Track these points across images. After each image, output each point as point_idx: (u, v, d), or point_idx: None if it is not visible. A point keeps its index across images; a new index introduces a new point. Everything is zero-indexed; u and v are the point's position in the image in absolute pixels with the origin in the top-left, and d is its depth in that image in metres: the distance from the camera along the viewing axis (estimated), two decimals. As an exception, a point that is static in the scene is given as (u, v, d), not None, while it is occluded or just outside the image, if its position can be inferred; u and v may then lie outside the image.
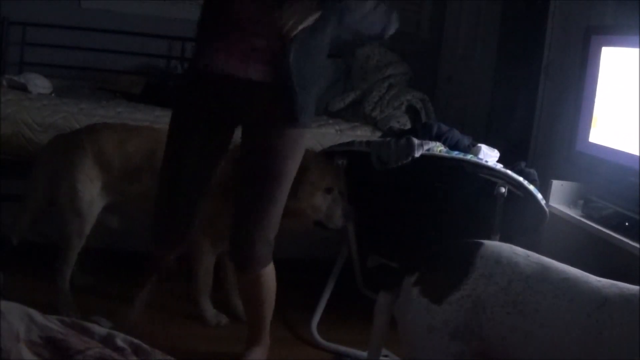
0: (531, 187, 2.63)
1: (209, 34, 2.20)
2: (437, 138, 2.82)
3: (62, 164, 2.78)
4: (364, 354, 2.62)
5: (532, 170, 2.78)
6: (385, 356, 2.61)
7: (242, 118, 2.27)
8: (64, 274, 2.78)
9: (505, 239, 2.56)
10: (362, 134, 3.62)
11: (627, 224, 2.50)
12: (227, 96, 2.22)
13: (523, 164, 2.81)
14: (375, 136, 3.43)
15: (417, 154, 2.60)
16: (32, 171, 2.87)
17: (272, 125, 2.21)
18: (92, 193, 2.77)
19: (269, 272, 2.39)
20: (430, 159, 2.63)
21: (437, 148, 2.66)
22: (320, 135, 3.49)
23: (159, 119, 3.37)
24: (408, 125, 3.63)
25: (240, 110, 2.24)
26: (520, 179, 2.62)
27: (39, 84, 3.65)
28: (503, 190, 2.59)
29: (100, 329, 1.50)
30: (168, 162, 2.33)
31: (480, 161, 2.65)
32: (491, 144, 2.89)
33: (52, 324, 1.43)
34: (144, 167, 2.78)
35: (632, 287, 1.63)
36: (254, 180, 2.25)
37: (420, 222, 2.85)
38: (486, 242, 1.81)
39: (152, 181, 2.78)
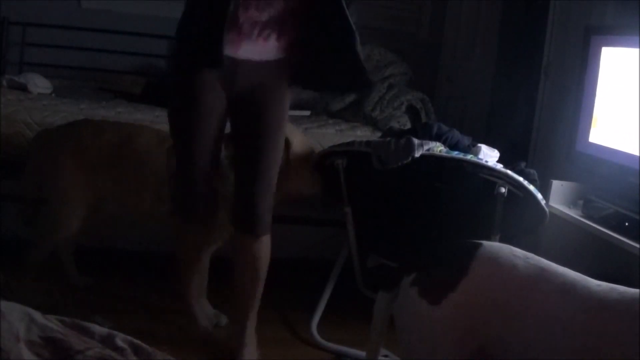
0: (531, 187, 2.63)
1: (215, 22, 2.22)
2: (437, 138, 2.82)
3: (46, 159, 2.80)
4: (364, 353, 2.62)
5: (532, 170, 2.78)
6: (385, 356, 2.61)
7: (245, 91, 2.35)
8: (37, 259, 2.79)
9: (505, 239, 2.56)
10: (362, 134, 3.63)
11: (627, 224, 2.50)
12: (237, 75, 2.30)
13: (523, 164, 2.81)
14: (375, 136, 3.43)
15: (417, 154, 2.61)
16: (25, 167, 2.89)
17: (275, 90, 2.36)
18: (75, 187, 2.78)
19: (268, 243, 2.47)
20: (430, 159, 2.63)
21: (437, 148, 2.66)
22: (320, 135, 3.49)
23: (159, 118, 3.37)
24: (408, 125, 3.63)
25: (246, 85, 2.33)
26: (520, 179, 2.62)
27: (39, 84, 3.65)
28: (503, 190, 2.59)
29: (100, 329, 1.50)
30: (186, 138, 2.39)
31: (480, 161, 2.65)
32: (491, 144, 2.89)
33: (52, 324, 1.43)
34: (122, 163, 2.80)
35: (632, 291, 1.62)
36: (255, 143, 2.37)
37: (420, 222, 2.84)
38: (485, 243, 1.80)
39: (123, 175, 2.79)
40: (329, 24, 2.26)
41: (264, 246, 2.46)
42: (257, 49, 2.26)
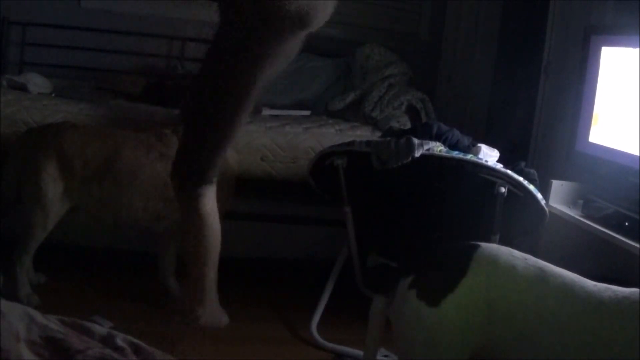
0: (531, 187, 2.63)
1: None
2: (437, 138, 2.82)
3: (28, 161, 2.79)
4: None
5: (532, 170, 2.78)
6: (385, 356, 2.61)
7: None
8: (23, 264, 2.77)
9: (505, 238, 2.57)
10: (362, 134, 3.62)
11: (627, 224, 2.50)
12: None
13: (523, 164, 2.81)
14: (375, 136, 3.43)
15: (417, 154, 2.61)
16: (4, 164, 2.87)
17: None
18: (55, 192, 2.77)
19: (212, 214, 2.48)
20: (430, 159, 2.63)
21: (437, 148, 2.66)
22: (320, 135, 3.49)
23: (158, 118, 3.37)
24: (408, 125, 3.63)
25: None
26: (520, 178, 2.62)
27: (39, 84, 3.65)
28: (503, 190, 2.59)
29: (100, 329, 1.50)
30: None
31: (480, 161, 2.65)
32: (491, 144, 2.89)
33: (52, 324, 1.43)
34: (104, 171, 2.79)
35: (625, 290, 1.63)
36: None
37: (420, 222, 2.85)
38: (483, 244, 1.80)
39: (113, 186, 2.78)
40: None
41: (206, 219, 2.50)
42: None
